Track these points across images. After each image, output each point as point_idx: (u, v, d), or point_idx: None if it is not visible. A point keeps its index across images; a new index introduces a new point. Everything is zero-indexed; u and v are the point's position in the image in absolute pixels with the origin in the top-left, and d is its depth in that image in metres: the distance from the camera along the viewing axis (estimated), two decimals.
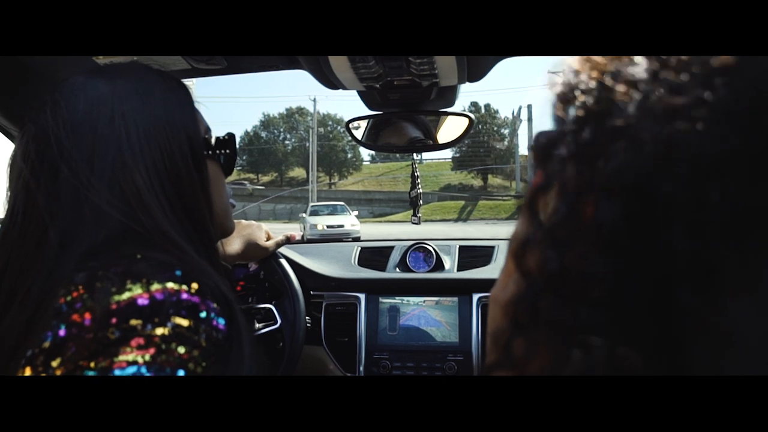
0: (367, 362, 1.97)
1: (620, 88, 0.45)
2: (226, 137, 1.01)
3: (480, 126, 47.80)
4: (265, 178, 58.78)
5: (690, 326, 0.42)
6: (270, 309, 1.83)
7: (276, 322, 1.81)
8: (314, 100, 48.39)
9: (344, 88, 1.70)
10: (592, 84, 0.47)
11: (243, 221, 1.73)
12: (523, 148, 41.49)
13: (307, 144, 46.58)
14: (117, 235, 0.76)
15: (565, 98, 0.49)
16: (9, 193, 0.81)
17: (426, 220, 36.19)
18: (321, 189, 47.82)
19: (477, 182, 47.49)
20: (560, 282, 0.47)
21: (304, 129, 53.69)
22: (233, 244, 1.64)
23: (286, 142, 57.96)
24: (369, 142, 1.92)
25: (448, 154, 52.28)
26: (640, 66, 0.45)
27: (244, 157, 56.29)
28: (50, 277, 0.71)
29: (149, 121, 0.84)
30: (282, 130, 57.93)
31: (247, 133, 57.84)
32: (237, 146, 1.04)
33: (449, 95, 1.79)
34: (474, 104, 50.07)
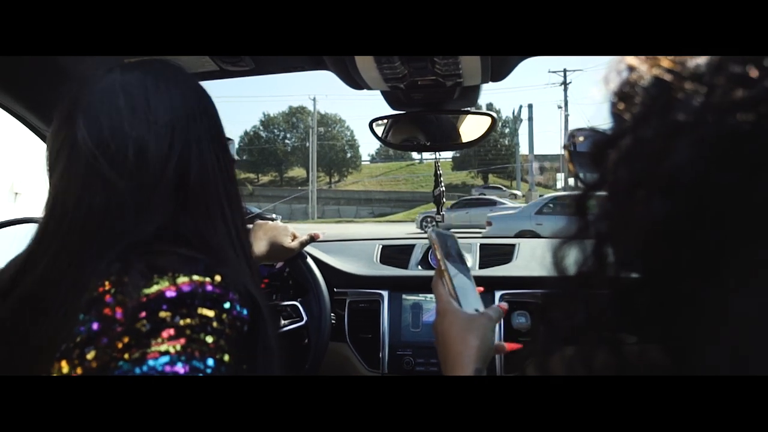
0: (391, 359, 1.98)
1: (683, 83, 0.44)
2: (230, 141, 1.03)
3: None
4: (265, 178, 58.63)
5: (722, 322, 0.42)
6: (296, 306, 1.85)
7: (302, 319, 1.83)
8: (314, 100, 48.31)
9: (369, 88, 1.71)
10: (653, 80, 0.47)
11: (269, 222, 1.74)
12: (523, 148, 41.46)
13: (307, 144, 46.45)
14: (155, 234, 0.77)
15: (624, 95, 0.49)
16: (72, 186, 0.80)
17: None
18: (321, 189, 47.70)
19: (478, 182, 47.39)
20: (600, 278, 0.48)
21: (304, 129, 53.58)
22: (259, 246, 1.65)
23: (286, 141, 57.82)
24: (392, 141, 1.94)
25: (448, 153, 52.26)
26: (703, 59, 0.44)
27: (244, 157, 56.10)
28: (86, 272, 0.72)
29: (210, 123, 0.87)
30: (283, 129, 57.76)
31: (246, 133, 57.71)
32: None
33: (472, 95, 1.80)
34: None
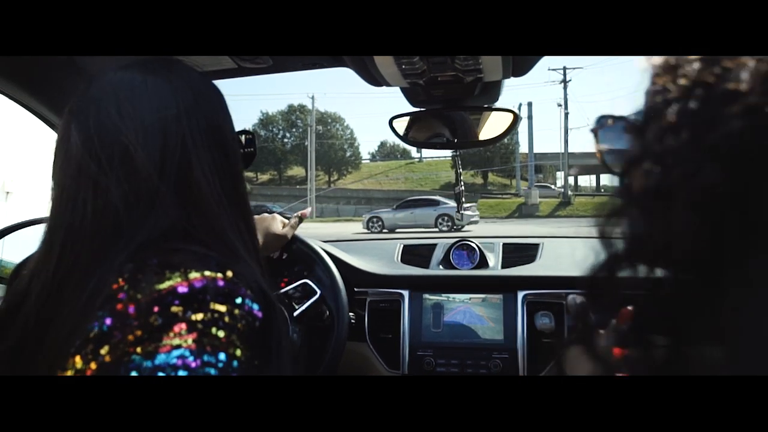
0: (411, 359, 1.97)
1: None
2: (250, 136, 1.01)
3: None
4: (264, 177, 58.68)
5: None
6: (306, 283, 1.80)
7: (315, 293, 1.78)
8: (312, 98, 48.35)
9: (387, 84, 1.69)
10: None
11: (257, 216, 1.72)
12: (523, 147, 41.51)
13: (306, 142, 46.50)
14: (167, 231, 0.77)
15: (669, 68, 0.49)
16: (66, 188, 0.80)
17: None
18: (320, 187, 47.73)
19: (477, 180, 47.43)
20: (643, 246, 0.48)
21: (303, 127, 53.61)
22: None
23: (285, 140, 57.85)
24: (411, 138, 1.91)
25: (447, 152, 52.20)
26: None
27: None
28: (101, 269, 0.72)
29: (207, 120, 0.86)
30: (282, 128, 57.78)
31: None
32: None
33: (493, 91, 1.78)
34: None
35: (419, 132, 1.92)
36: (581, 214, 31.50)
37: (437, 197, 28.95)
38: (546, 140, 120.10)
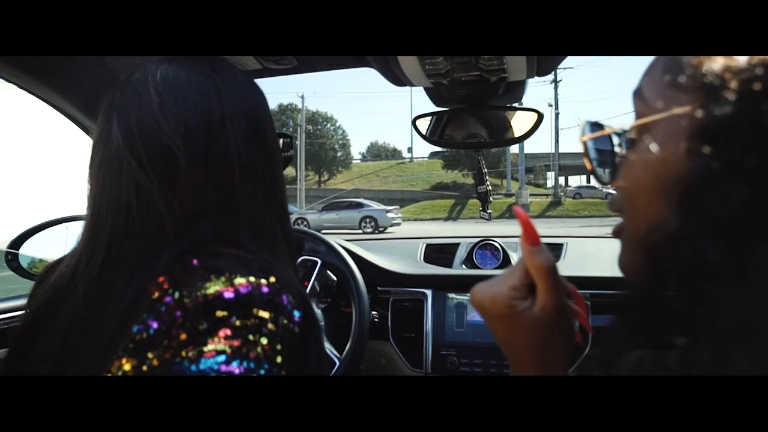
0: (434, 358, 1.96)
1: None
2: (288, 139, 1.00)
3: None
4: None
5: None
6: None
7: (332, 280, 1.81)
8: (302, 97, 48.24)
9: (411, 84, 1.69)
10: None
11: None
12: (514, 147, 41.54)
13: (296, 142, 46.39)
14: (213, 234, 0.76)
15: (740, 72, 0.48)
16: (107, 187, 0.78)
17: (416, 219, 36.18)
18: (310, 187, 47.63)
19: (469, 180, 47.41)
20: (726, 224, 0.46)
21: (294, 126, 53.45)
22: None
23: None
24: (435, 138, 1.91)
25: (437, 152, 52.27)
26: None
27: None
28: (145, 271, 0.71)
29: (251, 123, 0.84)
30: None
31: None
32: None
33: (517, 90, 1.77)
34: None
35: (442, 131, 1.92)
36: (571, 215, 31.61)
37: (362, 200, 29.27)
38: (536, 140, 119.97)
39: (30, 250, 1.65)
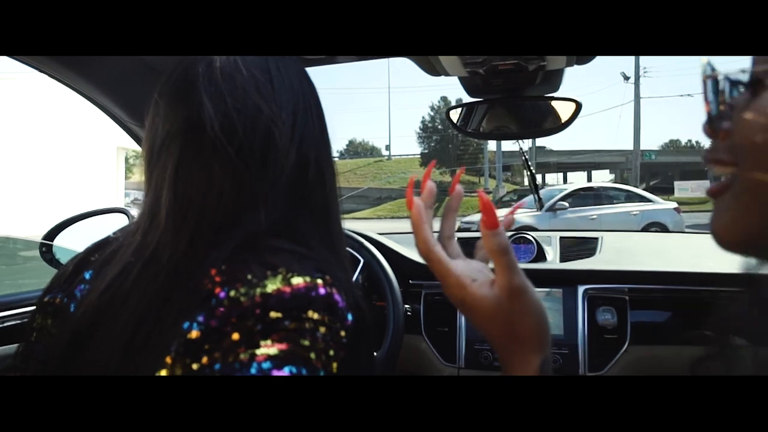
0: (468, 353, 1.94)
1: None
2: None
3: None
4: None
5: None
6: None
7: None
8: None
9: (446, 74, 1.67)
10: None
11: None
12: (492, 145, 41.61)
13: None
14: (269, 228, 0.73)
15: None
16: (198, 169, 0.74)
17: (392, 217, 36.21)
18: None
19: (447, 178, 47.56)
20: None
21: None
22: None
23: None
24: (470, 129, 1.88)
25: (416, 150, 52.16)
26: None
27: None
28: (198, 265, 0.69)
29: (320, 118, 0.83)
30: None
31: None
32: None
33: (555, 79, 1.74)
34: (444, 99, 49.65)
35: (477, 123, 1.88)
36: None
37: None
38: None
39: (64, 241, 1.62)
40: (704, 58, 0.58)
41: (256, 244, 0.71)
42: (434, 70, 1.64)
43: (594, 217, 12.49)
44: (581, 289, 1.90)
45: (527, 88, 1.76)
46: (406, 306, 1.87)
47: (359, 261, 1.84)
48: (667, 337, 1.81)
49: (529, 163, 2.11)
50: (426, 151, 48.72)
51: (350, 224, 1.76)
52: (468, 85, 1.77)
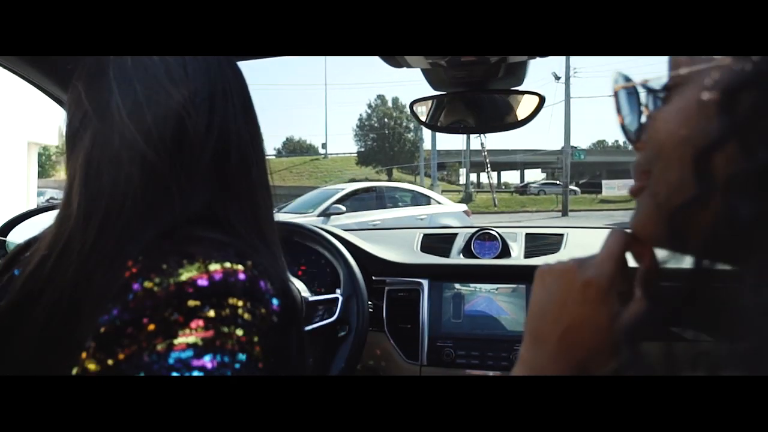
0: (430, 350, 1.92)
1: None
2: None
3: (386, 120, 47.86)
4: None
5: None
6: (335, 299, 1.72)
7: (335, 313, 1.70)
8: None
9: (408, 66, 1.64)
10: None
11: None
12: (427, 143, 41.94)
13: None
14: (186, 216, 0.72)
15: None
16: (105, 160, 0.72)
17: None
18: None
19: (382, 177, 47.64)
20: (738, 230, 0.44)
21: None
22: None
23: None
24: (434, 123, 1.86)
25: (353, 148, 52.21)
26: None
27: None
28: (112, 256, 0.68)
29: (243, 101, 0.82)
30: None
31: None
32: None
33: (518, 72, 1.73)
34: (380, 97, 49.80)
35: (441, 116, 1.87)
36: (482, 211, 32.30)
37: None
38: (450, 137, 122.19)
39: (18, 237, 1.57)
40: (616, 71, 0.61)
41: (175, 234, 0.69)
42: (396, 62, 1.61)
43: (377, 222, 10.48)
44: None
45: (491, 81, 1.75)
46: (369, 302, 1.84)
47: (323, 256, 1.81)
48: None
49: (488, 161, 2.11)
50: (362, 149, 48.76)
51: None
52: (431, 78, 1.76)
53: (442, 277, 1.99)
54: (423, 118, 1.84)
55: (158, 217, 0.71)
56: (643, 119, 0.59)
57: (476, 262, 2.06)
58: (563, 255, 2.04)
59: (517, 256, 2.09)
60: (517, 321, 1.90)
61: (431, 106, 1.84)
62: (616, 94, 0.61)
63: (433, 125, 1.86)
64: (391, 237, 2.26)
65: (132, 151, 0.71)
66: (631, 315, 0.56)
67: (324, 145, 60.12)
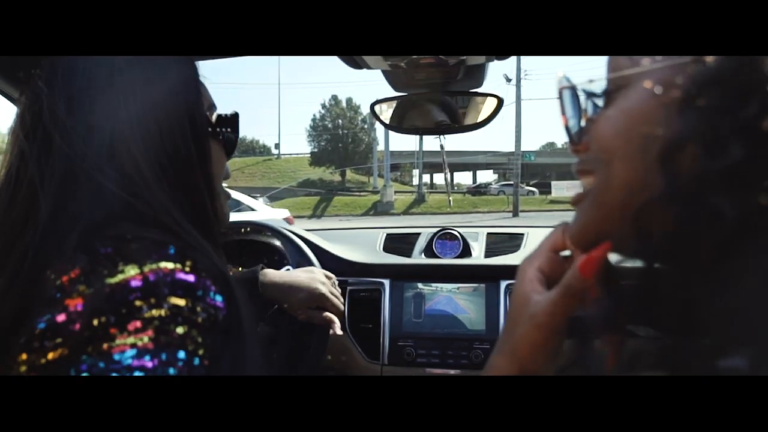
0: (391, 349, 1.93)
1: None
2: (230, 115, 0.97)
3: (340, 121, 47.68)
4: None
5: None
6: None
7: None
8: None
9: (368, 67, 1.65)
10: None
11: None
12: (381, 144, 41.91)
13: None
14: (116, 214, 0.72)
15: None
16: (5, 161, 0.76)
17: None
18: None
19: (336, 178, 47.46)
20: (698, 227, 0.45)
21: None
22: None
23: None
24: (394, 124, 1.87)
25: (306, 149, 51.80)
26: None
27: None
28: (42, 257, 0.68)
29: (148, 93, 0.79)
30: None
31: None
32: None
33: (477, 74, 1.76)
34: (334, 98, 49.53)
35: (401, 117, 1.88)
36: (434, 212, 32.43)
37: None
38: (402, 137, 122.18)
39: None
40: (560, 72, 0.62)
41: (111, 235, 0.69)
42: (356, 64, 1.62)
43: None
44: (503, 284, 1.92)
45: (450, 82, 1.77)
46: None
47: (286, 256, 1.80)
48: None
49: (446, 162, 2.13)
50: (316, 150, 48.43)
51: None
52: (391, 79, 1.77)
53: (403, 277, 2.01)
54: (383, 119, 1.86)
55: (83, 215, 0.70)
56: (584, 122, 0.60)
57: (437, 262, 2.08)
58: (523, 254, 2.06)
59: (477, 255, 2.11)
60: (477, 320, 1.92)
61: (392, 107, 1.85)
62: (560, 96, 0.62)
63: (394, 126, 1.87)
64: (354, 237, 2.27)
65: (16, 147, 0.73)
66: (585, 313, 0.58)
67: (277, 146, 59.75)
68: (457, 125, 1.87)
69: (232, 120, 0.96)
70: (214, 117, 0.94)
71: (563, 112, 0.61)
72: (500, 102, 1.81)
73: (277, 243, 1.83)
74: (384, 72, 1.71)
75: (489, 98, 1.81)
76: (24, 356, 0.61)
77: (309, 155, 50.55)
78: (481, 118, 1.82)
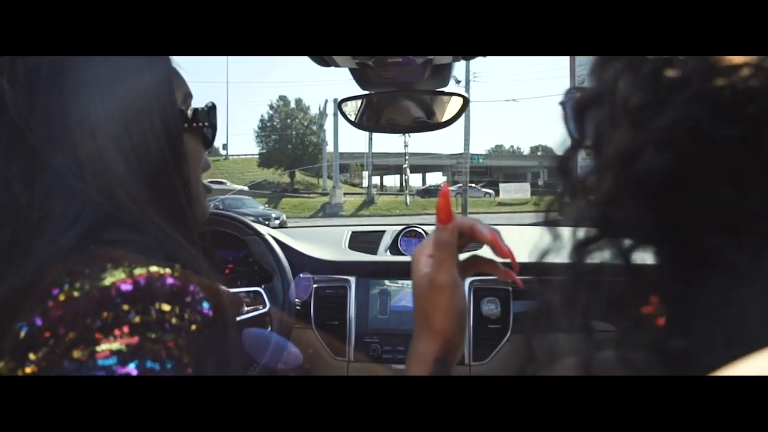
0: (357, 346, 1.95)
1: None
2: (206, 108, 0.95)
3: (289, 121, 47.30)
4: None
5: (716, 267, 0.43)
6: (259, 292, 1.78)
7: (264, 306, 1.77)
8: None
9: (336, 65, 1.66)
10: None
11: None
12: (330, 146, 41.79)
13: None
14: (98, 217, 0.71)
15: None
16: None
17: None
18: None
19: (285, 179, 47.06)
20: (600, 232, 0.48)
21: None
22: None
23: None
24: (361, 122, 1.88)
25: (255, 149, 51.22)
26: None
27: None
28: (26, 261, 0.66)
29: (115, 92, 0.78)
30: None
31: None
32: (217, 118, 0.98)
33: (444, 74, 1.78)
34: (283, 98, 49.12)
35: (368, 116, 1.89)
36: (384, 213, 32.50)
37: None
38: (353, 138, 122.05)
39: None
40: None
41: (99, 238, 0.68)
42: (324, 62, 1.62)
43: None
44: (467, 281, 1.94)
45: (417, 81, 1.78)
46: (296, 300, 1.85)
47: (250, 251, 1.81)
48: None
49: (407, 164, 2.15)
50: (264, 151, 47.83)
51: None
52: (359, 78, 1.78)
53: (369, 274, 2.02)
54: (350, 117, 1.86)
55: (72, 219, 0.69)
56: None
57: (402, 259, 2.10)
58: (487, 251, 2.09)
59: None
60: None
61: (358, 106, 1.86)
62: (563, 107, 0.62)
63: (360, 124, 1.88)
64: (319, 235, 2.28)
65: (34, 155, 0.71)
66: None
67: (225, 146, 59.08)
68: (423, 124, 1.89)
69: (210, 112, 0.94)
70: (190, 107, 0.91)
71: (566, 122, 0.61)
72: (466, 101, 1.83)
73: (245, 238, 1.83)
74: (351, 70, 1.71)
75: (455, 97, 1.83)
76: (7, 361, 0.59)
77: (257, 156, 49.94)
78: (446, 117, 1.84)
